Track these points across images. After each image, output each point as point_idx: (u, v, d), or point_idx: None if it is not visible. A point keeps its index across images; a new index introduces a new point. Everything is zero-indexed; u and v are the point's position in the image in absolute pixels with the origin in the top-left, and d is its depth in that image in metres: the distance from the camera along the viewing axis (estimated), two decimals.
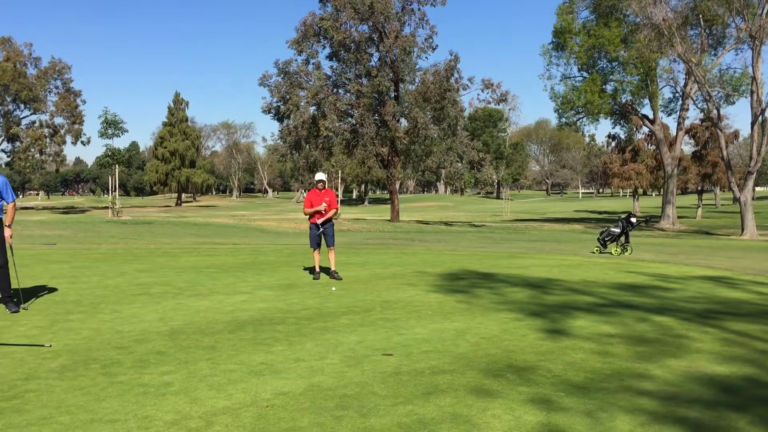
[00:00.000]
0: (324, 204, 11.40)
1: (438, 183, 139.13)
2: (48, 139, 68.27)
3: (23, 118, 68.33)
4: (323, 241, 11.59)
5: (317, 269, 11.51)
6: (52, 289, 9.65)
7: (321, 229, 11.44)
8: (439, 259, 15.98)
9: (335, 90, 44.79)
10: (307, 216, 11.62)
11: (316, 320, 7.63)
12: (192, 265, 13.40)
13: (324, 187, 11.58)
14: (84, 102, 68.92)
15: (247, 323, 7.39)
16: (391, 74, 43.06)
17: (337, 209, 11.69)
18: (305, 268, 12.96)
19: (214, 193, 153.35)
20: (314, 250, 11.55)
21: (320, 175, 11.71)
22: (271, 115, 45.44)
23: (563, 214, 68.75)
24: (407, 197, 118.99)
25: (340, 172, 46.82)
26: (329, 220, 11.56)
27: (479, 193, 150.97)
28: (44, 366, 5.47)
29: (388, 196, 53.36)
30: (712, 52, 42.51)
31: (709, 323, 7.74)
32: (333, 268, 11.50)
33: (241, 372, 5.36)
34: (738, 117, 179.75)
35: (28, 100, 65.09)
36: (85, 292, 9.52)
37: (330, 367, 5.56)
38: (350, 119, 44.86)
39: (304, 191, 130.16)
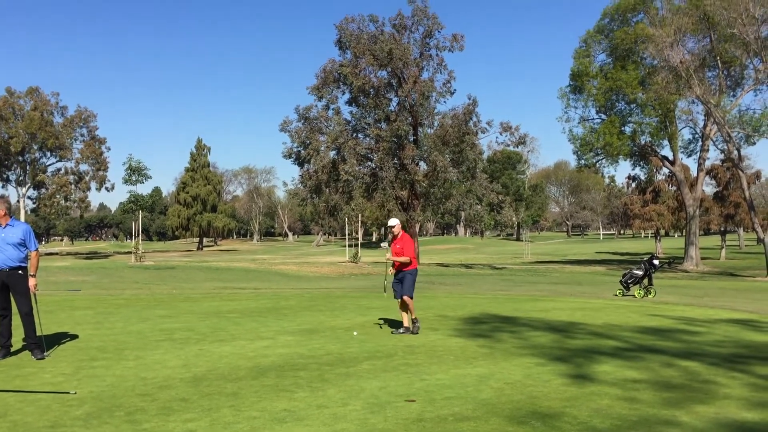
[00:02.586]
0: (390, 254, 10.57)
1: (458, 225, 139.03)
2: (73, 186, 69.27)
3: (49, 165, 69.57)
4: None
5: (404, 323, 10.51)
6: (76, 336, 9.74)
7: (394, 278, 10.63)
8: (460, 302, 15.91)
9: (355, 135, 45.22)
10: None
11: (338, 366, 7.61)
12: (214, 310, 13.47)
13: (398, 232, 10.61)
14: (108, 149, 69.96)
15: (269, 369, 7.39)
16: (410, 118, 43.48)
17: (404, 256, 10.42)
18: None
19: (234, 237, 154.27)
20: (398, 300, 10.65)
21: (391, 222, 10.77)
22: (292, 159, 45.83)
23: (584, 255, 68.18)
24: (427, 240, 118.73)
25: (360, 215, 46.97)
26: (402, 268, 10.50)
27: (499, 235, 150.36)
28: (69, 413, 5.51)
29: None
30: (731, 93, 42.54)
31: (736, 368, 7.62)
32: (413, 316, 10.41)
33: (263, 419, 5.36)
34: (759, 157, 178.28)
35: (55, 147, 66.35)
36: (109, 338, 9.59)
37: (353, 413, 5.54)
38: (370, 163, 45.17)
39: (324, 234, 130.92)
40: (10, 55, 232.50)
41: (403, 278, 10.49)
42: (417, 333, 10.24)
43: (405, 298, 10.36)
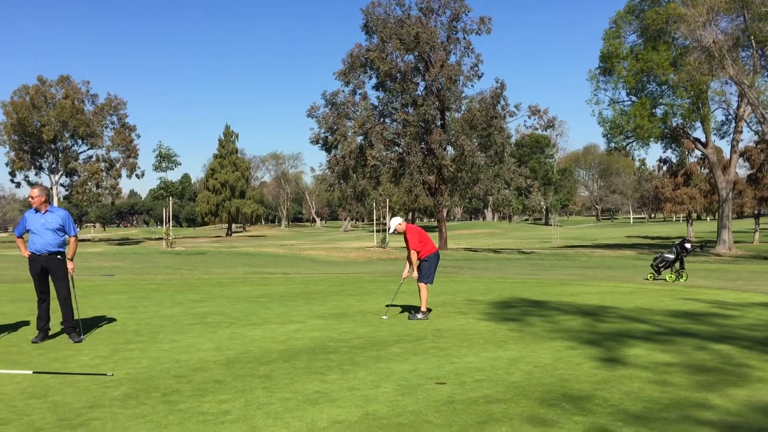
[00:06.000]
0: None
1: (485, 210, 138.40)
2: (104, 173, 70.33)
3: (81, 153, 70.67)
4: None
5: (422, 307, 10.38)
6: (112, 319, 9.94)
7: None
8: (489, 287, 15.89)
9: (382, 119, 45.18)
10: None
11: (368, 349, 7.68)
12: (245, 295, 13.63)
13: (402, 230, 10.37)
14: (138, 136, 70.84)
15: (300, 352, 7.48)
16: (437, 103, 43.29)
17: (412, 252, 10.37)
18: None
19: (263, 222, 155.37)
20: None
21: (391, 225, 10.53)
22: (319, 145, 46.03)
23: (614, 239, 67.51)
24: (455, 224, 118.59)
25: (387, 200, 47.00)
26: (418, 259, 10.38)
27: (527, 220, 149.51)
28: (107, 394, 5.65)
29: (435, 224, 53.24)
30: (765, 74, 41.58)
31: None
32: (423, 308, 10.26)
33: (296, 400, 5.44)
34: None
35: (86, 135, 67.32)
36: (143, 321, 9.78)
37: (384, 395, 5.60)
38: (397, 148, 45.15)
39: (352, 220, 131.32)
40: (42, 43, 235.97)
41: (420, 267, 10.39)
42: (410, 320, 9.99)
43: (420, 284, 10.28)
